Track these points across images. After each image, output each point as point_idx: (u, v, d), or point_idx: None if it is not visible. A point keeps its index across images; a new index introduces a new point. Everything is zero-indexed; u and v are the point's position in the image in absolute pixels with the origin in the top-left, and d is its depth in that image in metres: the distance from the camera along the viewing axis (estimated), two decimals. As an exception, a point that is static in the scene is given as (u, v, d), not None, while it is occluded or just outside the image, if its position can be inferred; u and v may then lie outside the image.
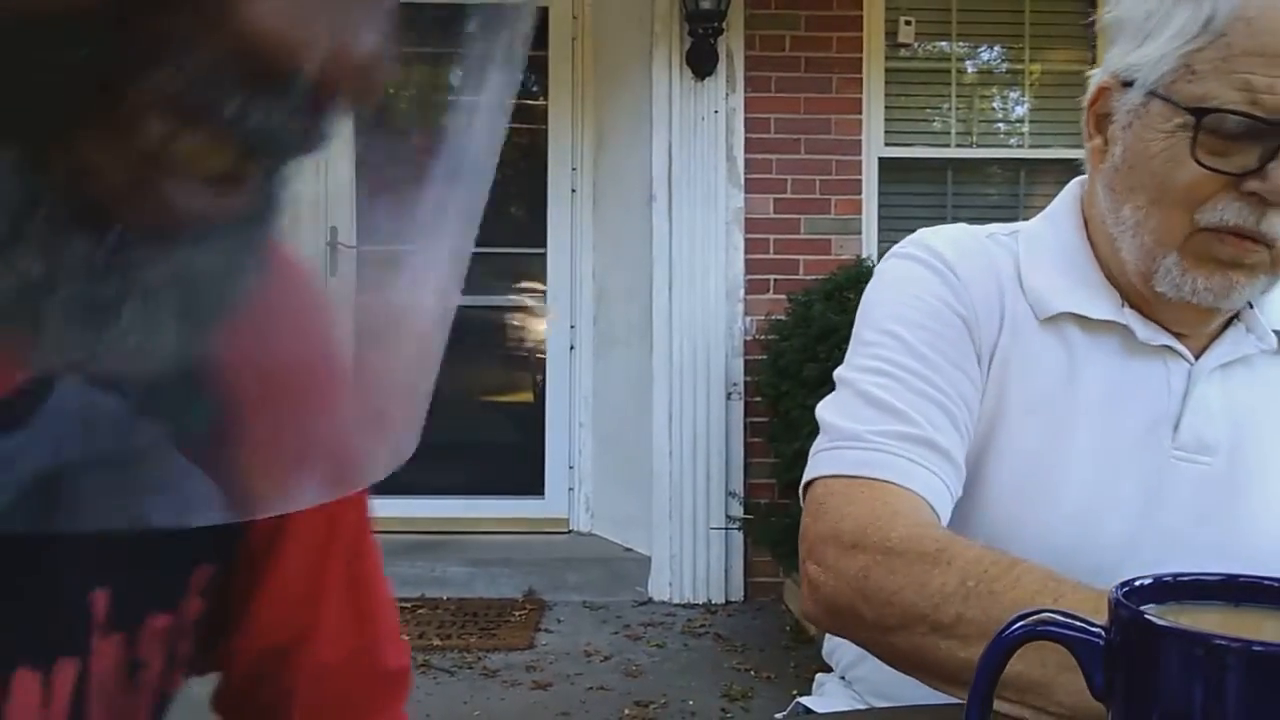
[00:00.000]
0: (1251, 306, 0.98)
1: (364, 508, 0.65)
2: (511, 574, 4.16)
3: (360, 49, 0.33)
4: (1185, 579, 0.54)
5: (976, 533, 0.94)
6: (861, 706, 1.06)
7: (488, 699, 3.22)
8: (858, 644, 0.89)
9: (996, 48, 4.54)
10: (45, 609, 0.47)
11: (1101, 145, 0.96)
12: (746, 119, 4.24)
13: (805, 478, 0.94)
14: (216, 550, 0.56)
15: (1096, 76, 0.97)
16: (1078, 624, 0.52)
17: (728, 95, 4.22)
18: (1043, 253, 1.01)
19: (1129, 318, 0.97)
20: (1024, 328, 0.98)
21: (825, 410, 0.97)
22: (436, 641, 3.65)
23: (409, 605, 4.00)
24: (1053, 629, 0.52)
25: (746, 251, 4.23)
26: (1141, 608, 0.49)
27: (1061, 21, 4.40)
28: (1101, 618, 0.78)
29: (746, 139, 4.24)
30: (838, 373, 0.99)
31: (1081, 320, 0.98)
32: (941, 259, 0.99)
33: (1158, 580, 0.53)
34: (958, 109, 4.46)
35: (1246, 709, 0.45)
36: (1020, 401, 0.97)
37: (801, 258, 4.21)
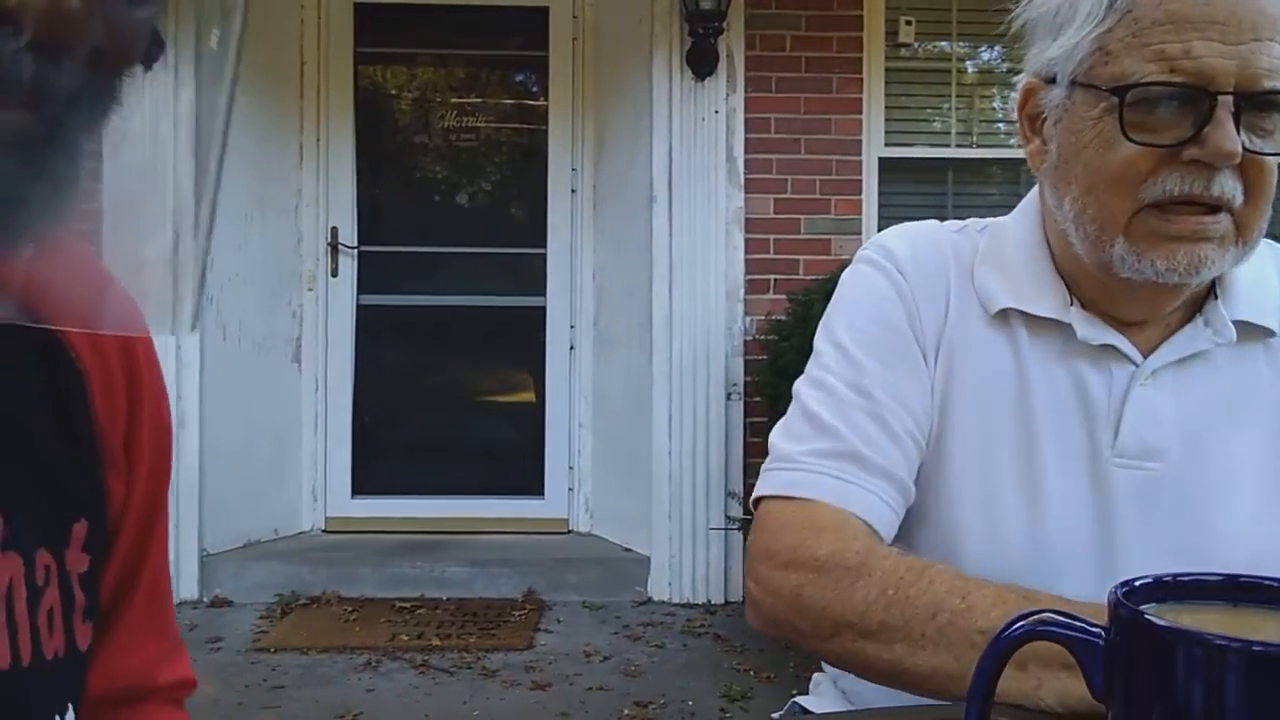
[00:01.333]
0: (1216, 298, 0.96)
1: (166, 540, 0.74)
2: (511, 574, 4.16)
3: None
4: (1185, 579, 0.54)
5: (940, 525, 0.97)
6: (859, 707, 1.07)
7: (487, 699, 3.22)
8: (802, 648, 0.93)
9: (996, 48, 4.54)
10: None
11: (1039, 146, 0.96)
12: (746, 119, 4.24)
13: (752, 496, 0.99)
14: (88, 505, 0.63)
15: (1021, 79, 0.97)
16: (1078, 624, 0.52)
17: (728, 95, 4.22)
18: (1002, 248, 1.01)
19: (1074, 316, 0.96)
20: (972, 321, 0.99)
21: (776, 429, 1.01)
22: (436, 641, 3.65)
23: (408, 605, 4.00)
24: (1053, 629, 0.52)
25: (746, 251, 4.22)
26: (1141, 608, 0.49)
27: (1061, 22, 4.40)
28: (1001, 611, 0.81)
29: (746, 139, 4.23)
30: (795, 385, 1.03)
31: (1026, 318, 0.98)
32: (893, 259, 1.01)
33: (1158, 580, 0.53)
34: (958, 109, 4.46)
35: (1246, 709, 0.45)
36: (967, 391, 0.98)
37: (801, 258, 4.20)
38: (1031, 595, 0.82)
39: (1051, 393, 0.96)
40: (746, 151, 4.23)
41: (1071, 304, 0.97)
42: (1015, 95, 0.98)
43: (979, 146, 4.45)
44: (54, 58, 0.42)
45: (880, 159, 4.34)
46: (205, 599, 4.06)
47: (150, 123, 0.51)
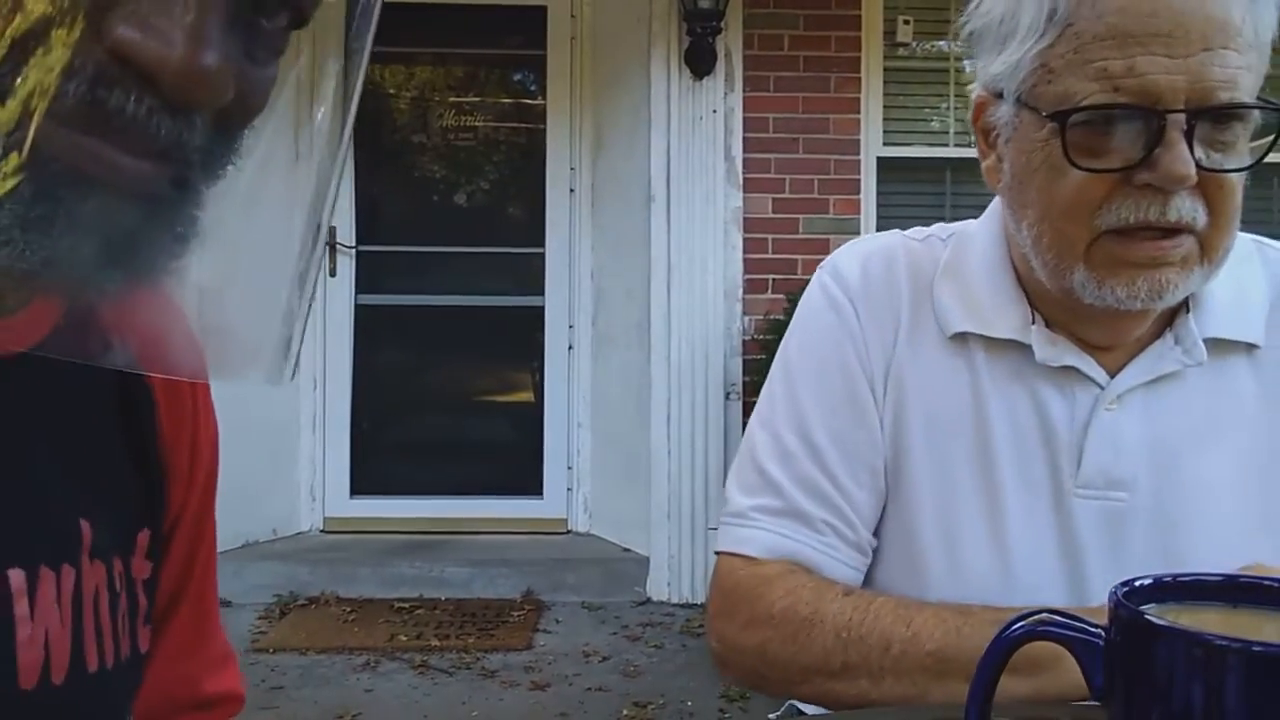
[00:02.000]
0: (1188, 312, 0.90)
1: (214, 549, 0.76)
2: (510, 574, 4.15)
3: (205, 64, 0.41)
4: (1185, 579, 0.54)
5: (904, 561, 0.95)
6: None
7: (486, 699, 3.22)
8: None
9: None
10: (41, 524, 0.58)
11: (995, 163, 0.91)
12: (745, 118, 4.24)
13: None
14: (150, 515, 0.67)
15: (974, 91, 0.92)
16: (1078, 624, 0.52)
17: (726, 95, 4.22)
18: (965, 260, 0.97)
19: (1034, 337, 0.91)
20: (928, 343, 0.95)
21: (732, 472, 1.02)
22: (435, 642, 3.65)
23: (407, 605, 4.00)
24: (1053, 629, 0.52)
25: (745, 251, 4.22)
26: (1141, 608, 0.49)
27: (1060, 21, 4.40)
28: (942, 631, 0.83)
29: (745, 138, 4.23)
30: (750, 421, 1.02)
31: (984, 340, 0.93)
32: (843, 284, 0.98)
33: (1158, 580, 0.53)
34: (956, 108, 4.46)
35: (1246, 709, 0.45)
36: (921, 419, 0.94)
37: (800, 257, 4.20)
38: (965, 609, 0.84)
39: (1011, 420, 0.92)
40: (745, 151, 4.23)
41: (1034, 322, 0.92)
42: (971, 105, 0.93)
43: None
44: (185, 115, 0.43)
45: (878, 158, 4.34)
46: (204, 599, 4.06)
47: (279, 179, 0.53)
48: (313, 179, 0.53)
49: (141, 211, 0.44)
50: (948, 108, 4.48)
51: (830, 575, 0.93)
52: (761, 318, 4.17)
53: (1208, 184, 0.81)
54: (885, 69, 4.36)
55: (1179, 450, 0.90)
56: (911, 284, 0.97)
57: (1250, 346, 0.91)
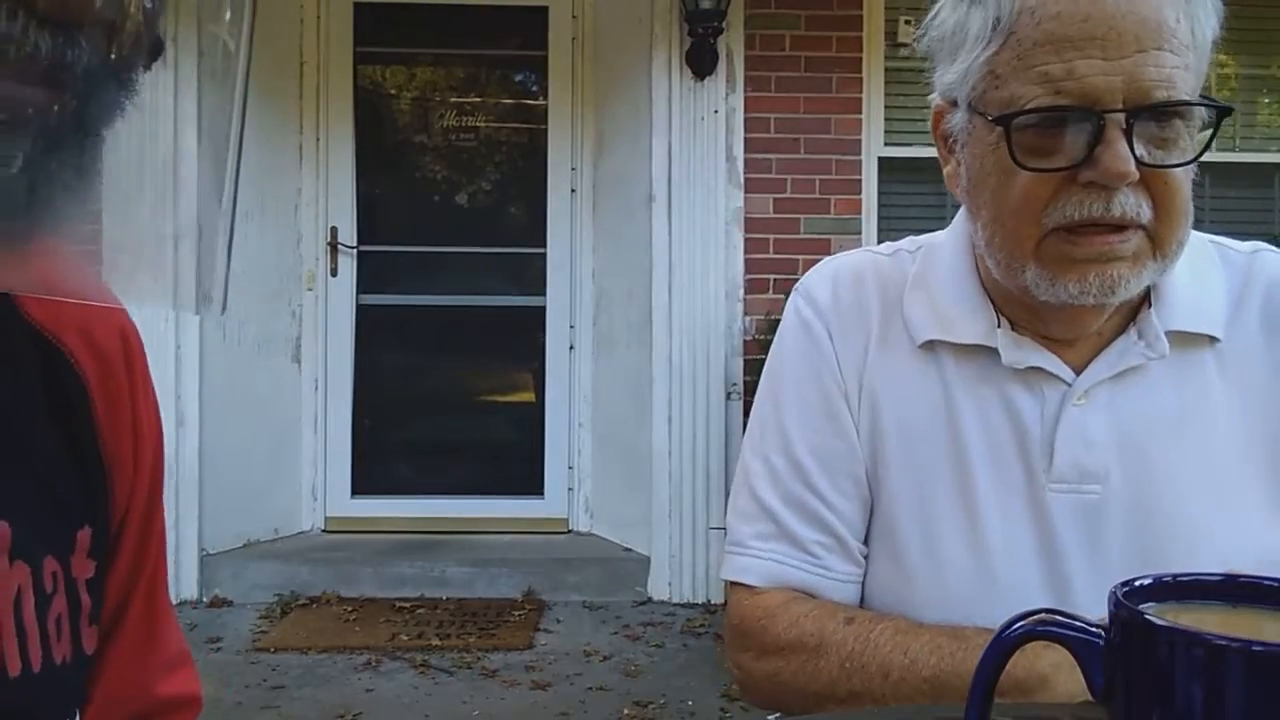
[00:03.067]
0: (1150, 307, 0.92)
1: (163, 544, 0.75)
2: (511, 574, 4.15)
3: None
4: (1185, 579, 0.54)
5: (889, 567, 0.97)
6: None
7: (487, 699, 3.22)
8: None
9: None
10: None
11: (954, 169, 0.94)
12: (746, 119, 4.24)
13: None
14: (91, 512, 0.65)
15: (933, 100, 0.95)
16: (1078, 624, 0.52)
17: (727, 95, 4.22)
18: (933, 270, 1.00)
19: (1000, 340, 0.93)
20: (899, 353, 0.98)
21: (731, 499, 1.06)
22: (436, 641, 3.65)
23: (408, 605, 4.00)
24: (1053, 629, 0.52)
25: (746, 251, 4.22)
26: (1141, 607, 0.49)
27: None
28: (938, 658, 0.86)
29: (746, 139, 4.23)
30: (743, 452, 1.06)
31: (952, 347, 0.96)
32: (815, 305, 1.02)
33: (1158, 580, 0.53)
34: (957, 109, 4.46)
35: (1246, 709, 0.45)
36: (895, 428, 0.97)
37: (801, 257, 4.20)
38: (959, 633, 0.87)
39: (983, 422, 0.94)
40: (746, 151, 4.23)
41: (999, 325, 0.94)
42: (931, 113, 0.97)
43: (978, 146, 4.44)
44: (65, 32, 0.43)
45: (880, 158, 4.34)
46: (205, 599, 4.06)
47: (166, 111, 0.52)
48: (215, 111, 0.51)
49: (38, 142, 0.43)
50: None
51: (825, 596, 0.97)
52: (762, 317, 4.17)
53: (1152, 180, 0.83)
54: (886, 69, 4.35)
55: (1148, 442, 0.91)
56: (881, 298, 1.01)
57: (1212, 340, 0.93)
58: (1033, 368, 0.93)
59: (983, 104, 0.87)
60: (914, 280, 1.00)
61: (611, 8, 4.47)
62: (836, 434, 0.99)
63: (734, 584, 1.01)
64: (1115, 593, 0.51)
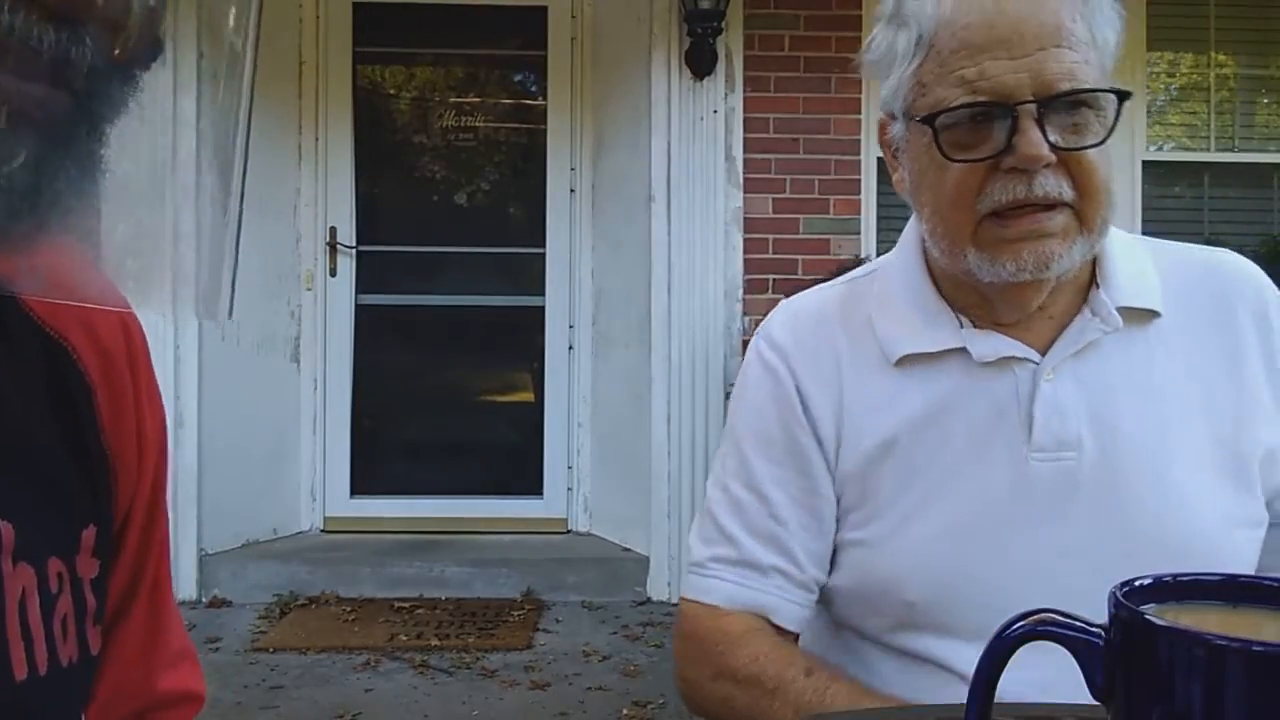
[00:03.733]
0: (1098, 287, 1.01)
1: (167, 540, 0.74)
2: (510, 574, 4.15)
3: None
4: (1185, 579, 0.54)
5: (884, 571, 1.03)
6: None
7: (486, 699, 3.22)
8: None
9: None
10: None
11: (900, 174, 1.05)
12: (745, 119, 4.24)
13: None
14: (95, 511, 0.64)
15: (879, 114, 1.06)
16: (1078, 624, 0.52)
17: (727, 95, 4.22)
18: (892, 289, 1.08)
19: (966, 338, 1.02)
20: (875, 373, 1.05)
21: (694, 524, 1.13)
22: (435, 641, 3.65)
23: (407, 605, 4.00)
24: (1053, 629, 0.52)
25: (745, 251, 4.22)
26: (1141, 607, 0.49)
27: (1060, 22, 4.40)
28: None
29: (745, 139, 4.23)
30: (708, 480, 1.13)
31: (925, 356, 1.03)
32: (777, 349, 1.09)
33: (1158, 580, 0.53)
34: (956, 109, 4.46)
35: (1246, 709, 0.45)
36: (881, 448, 1.03)
37: (800, 257, 4.21)
38: (919, 711, 0.93)
39: (965, 415, 1.01)
40: (745, 151, 4.23)
41: (962, 326, 1.03)
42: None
43: (978, 146, 4.44)
44: (69, 27, 0.42)
45: (879, 159, 4.33)
46: (203, 599, 4.06)
47: (167, 116, 0.52)
48: (219, 115, 0.51)
49: (42, 139, 0.43)
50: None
51: (783, 616, 1.05)
52: (762, 318, 4.16)
53: (1070, 163, 0.93)
54: (886, 69, 4.35)
55: (1111, 412, 0.99)
56: (845, 329, 1.08)
57: (1154, 314, 1.02)
58: (1003, 357, 1.01)
59: (914, 111, 0.97)
60: (878, 301, 1.08)
61: (611, 8, 4.47)
62: (800, 470, 1.06)
63: (692, 601, 1.08)
64: (1115, 593, 0.51)
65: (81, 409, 0.64)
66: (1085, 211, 0.94)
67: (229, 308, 0.51)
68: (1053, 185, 0.92)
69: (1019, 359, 1.00)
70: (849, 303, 1.10)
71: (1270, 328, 1.02)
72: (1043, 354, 1.01)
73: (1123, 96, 0.94)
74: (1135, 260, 1.03)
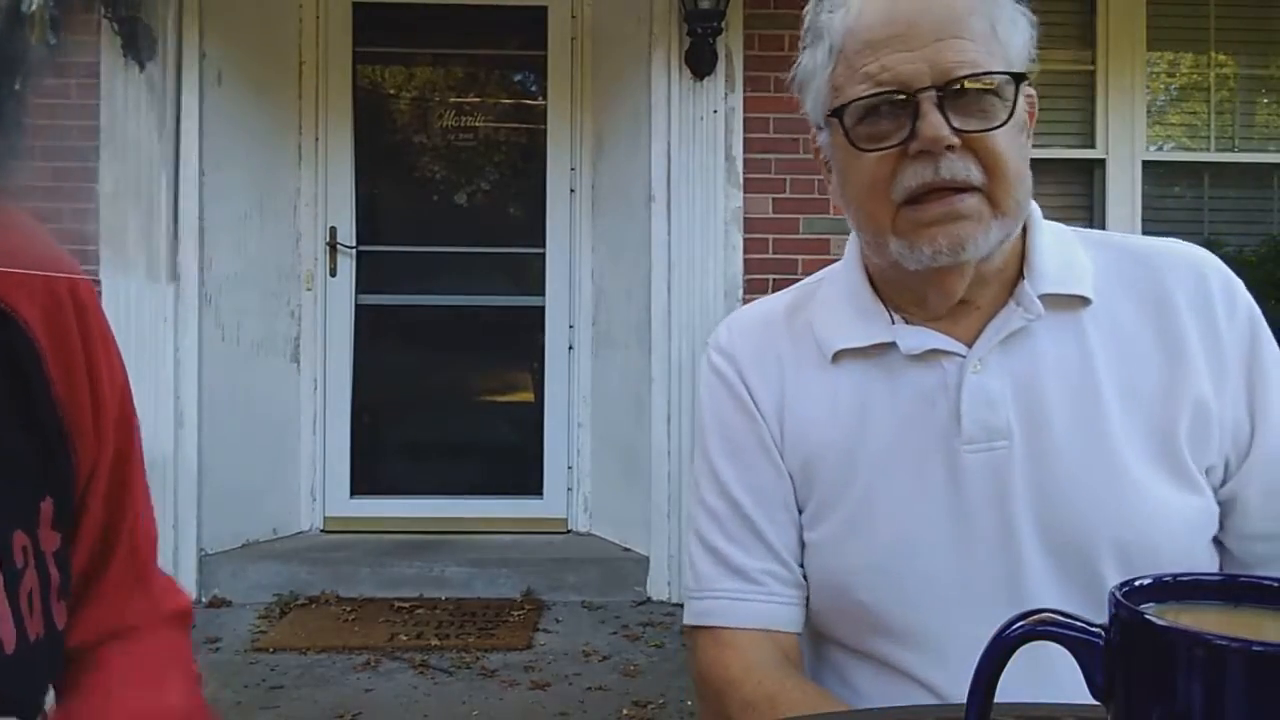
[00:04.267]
0: (1023, 278, 1.03)
1: (143, 511, 0.72)
2: (510, 574, 4.15)
3: None
4: (1185, 579, 0.54)
5: (835, 562, 1.05)
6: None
7: (486, 699, 3.22)
8: None
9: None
10: None
11: (831, 181, 1.08)
12: (745, 119, 4.24)
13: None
14: (51, 482, 0.63)
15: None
16: (1078, 624, 0.52)
17: (727, 95, 4.22)
18: (834, 291, 1.12)
19: (896, 333, 1.05)
20: (813, 370, 1.09)
21: (687, 556, 1.15)
22: (435, 641, 3.65)
23: (407, 605, 4.00)
24: (1053, 629, 0.52)
25: (745, 251, 4.22)
26: (1141, 607, 0.49)
27: (1060, 20, 4.40)
28: None
29: (745, 139, 4.23)
30: (692, 504, 1.15)
31: (857, 351, 1.06)
32: (721, 349, 1.14)
33: (1158, 580, 0.53)
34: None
35: (1246, 709, 0.45)
36: (821, 445, 1.06)
37: (800, 257, 4.21)
38: None
39: (895, 409, 1.04)
40: (745, 151, 4.23)
41: (894, 322, 1.06)
42: None
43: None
44: None
45: (879, 159, 4.34)
46: (203, 599, 4.06)
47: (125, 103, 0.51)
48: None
49: None
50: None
51: (781, 622, 1.07)
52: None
53: (977, 146, 0.95)
54: (886, 69, 4.35)
55: (1042, 399, 1.00)
56: (789, 331, 1.12)
57: (1084, 301, 1.03)
58: (930, 350, 1.03)
59: (830, 113, 1.02)
60: (820, 302, 1.12)
61: (611, 8, 4.47)
62: (764, 466, 1.09)
63: (695, 629, 1.10)
64: (1115, 593, 0.51)
65: (32, 378, 0.63)
66: (995, 194, 0.96)
67: (169, 269, 0.50)
68: (959, 168, 0.95)
69: (945, 352, 1.03)
70: (794, 309, 1.14)
71: (1215, 315, 1.01)
72: (970, 346, 1.03)
73: (1019, 79, 0.97)
74: (1065, 251, 1.05)
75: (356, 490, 4.64)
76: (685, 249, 4.18)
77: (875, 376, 1.05)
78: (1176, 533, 0.98)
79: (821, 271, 1.18)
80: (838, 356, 1.07)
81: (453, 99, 4.82)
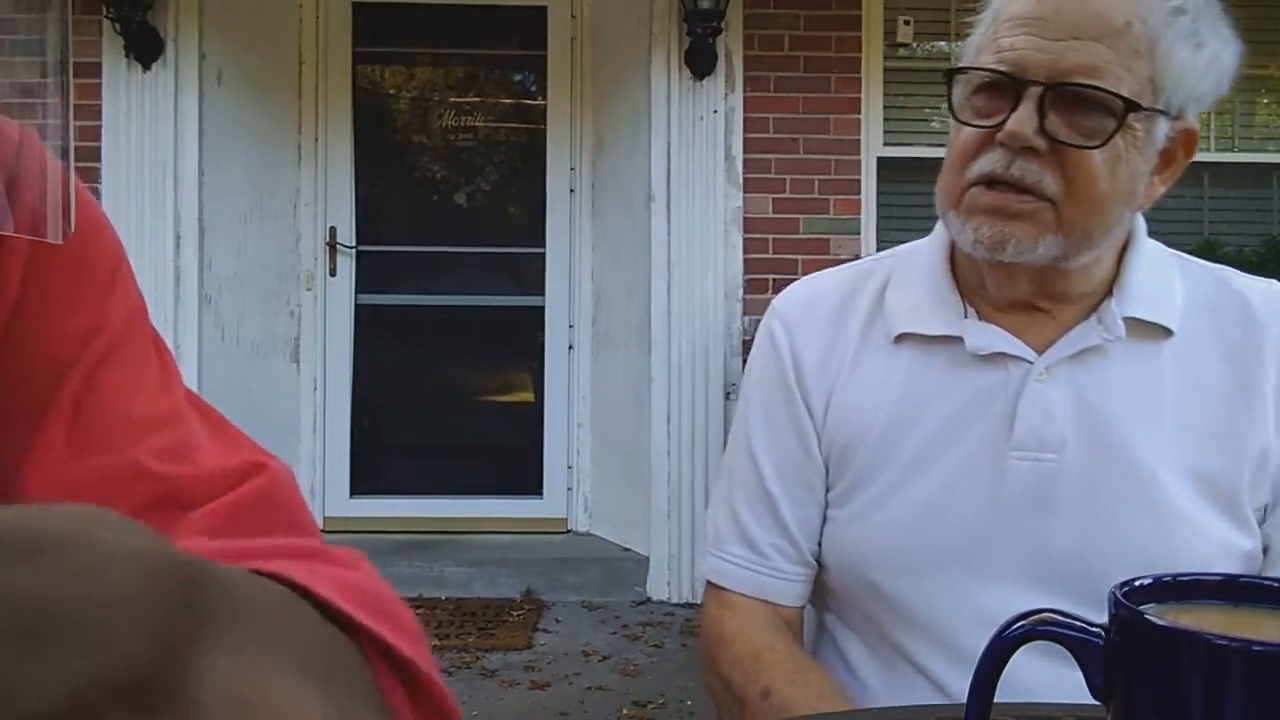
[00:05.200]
0: (1111, 296, 0.99)
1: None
2: (510, 574, 4.15)
3: None
4: (1185, 579, 0.54)
5: (845, 534, 1.05)
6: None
7: (486, 699, 3.22)
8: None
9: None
10: None
11: None
12: (745, 119, 4.24)
13: None
14: None
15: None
16: (1078, 624, 0.52)
17: (726, 95, 4.22)
18: (911, 268, 1.08)
19: (966, 328, 1.01)
20: (876, 349, 1.05)
21: (713, 498, 1.17)
22: (434, 641, 3.64)
23: (406, 605, 3.99)
24: (1053, 629, 0.52)
25: (745, 251, 4.22)
26: (1141, 607, 0.49)
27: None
28: None
29: (745, 139, 4.23)
30: (728, 453, 1.15)
31: (923, 338, 1.03)
32: (785, 322, 1.10)
33: (1158, 580, 0.53)
34: (956, 109, 4.46)
35: (1246, 709, 0.45)
36: (861, 425, 1.04)
37: (800, 257, 4.20)
38: None
39: (948, 403, 1.01)
40: (745, 151, 4.23)
41: (967, 315, 1.02)
42: None
43: (977, 146, 4.44)
44: None
45: (879, 159, 4.34)
46: (204, 599, 4.06)
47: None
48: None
49: None
50: (948, 108, 4.47)
51: (783, 596, 1.08)
52: (761, 318, 4.16)
53: (1063, 158, 0.91)
54: (885, 69, 4.35)
55: (1104, 417, 0.98)
56: (857, 303, 1.08)
57: (1167, 332, 0.99)
58: (997, 352, 1.00)
59: (952, 70, 1.00)
60: (895, 278, 1.08)
61: (610, 7, 4.47)
62: (794, 444, 1.07)
63: (707, 583, 1.14)
64: (1115, 592, 0.51)
65: None
66: (1067, 213, 0.92)
67: (60, 228, 0.45)
68: (1033, 172, 0.92)
69: (1013, 356, 1.00)
70: (866, 279, 1.10)
71: None
72: (1040, 354, 1.00)
73: (1131, 107, 0.90)
74: (1160, 276, 1.01)
75: (356, 490, 4.64)
76: (685, 249, 4.18)
77: (936, 367, 1.02)
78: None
79: (897, 249, 1.14)
80: (901, 339, 1.04)
81: (452, 99, 4.82)
